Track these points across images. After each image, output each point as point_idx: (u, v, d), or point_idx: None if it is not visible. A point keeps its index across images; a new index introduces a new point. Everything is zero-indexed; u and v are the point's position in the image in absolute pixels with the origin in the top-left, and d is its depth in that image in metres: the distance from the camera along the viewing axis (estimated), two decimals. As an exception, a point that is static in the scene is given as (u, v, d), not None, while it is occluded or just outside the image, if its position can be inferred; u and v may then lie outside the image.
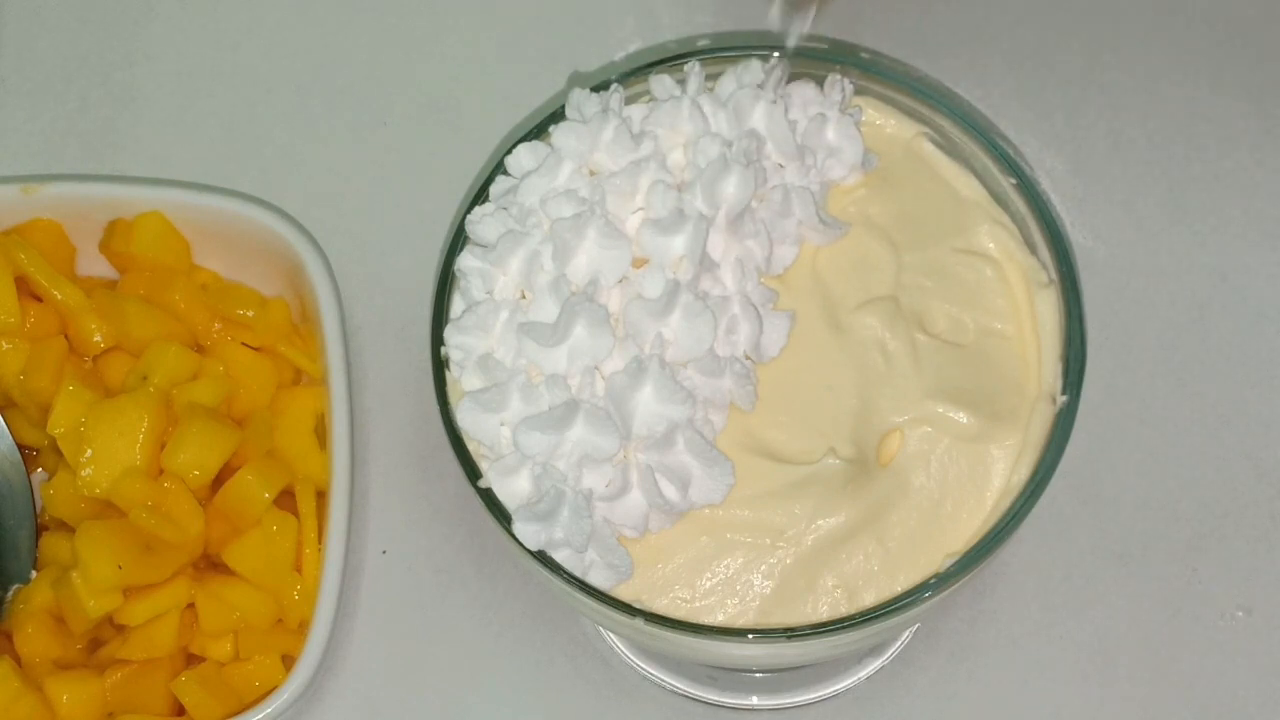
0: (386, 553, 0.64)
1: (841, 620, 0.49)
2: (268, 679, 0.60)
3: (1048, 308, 0.53)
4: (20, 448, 0.64)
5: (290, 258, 0.65)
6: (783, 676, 0.62)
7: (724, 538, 0.51)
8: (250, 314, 0.65)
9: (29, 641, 0.60)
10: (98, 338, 0.64)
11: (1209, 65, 0.72)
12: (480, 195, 0.55)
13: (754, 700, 0.62)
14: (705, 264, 0.51)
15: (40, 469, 0.66)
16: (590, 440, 0.49)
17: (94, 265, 0.67)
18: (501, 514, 0.50)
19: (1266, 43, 0.73)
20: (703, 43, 0.74)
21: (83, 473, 0.60)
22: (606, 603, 0.49)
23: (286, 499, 0.62)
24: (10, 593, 0.62)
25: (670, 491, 0.50)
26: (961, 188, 0.56)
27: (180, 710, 0.60)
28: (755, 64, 0.55)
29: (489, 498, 0.51)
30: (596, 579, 0.50)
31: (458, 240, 0.54)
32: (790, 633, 0.49)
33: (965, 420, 0.52)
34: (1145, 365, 0.66)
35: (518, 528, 0.50)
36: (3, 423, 0.64)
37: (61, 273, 0.64)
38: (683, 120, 0.54)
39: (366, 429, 0.66)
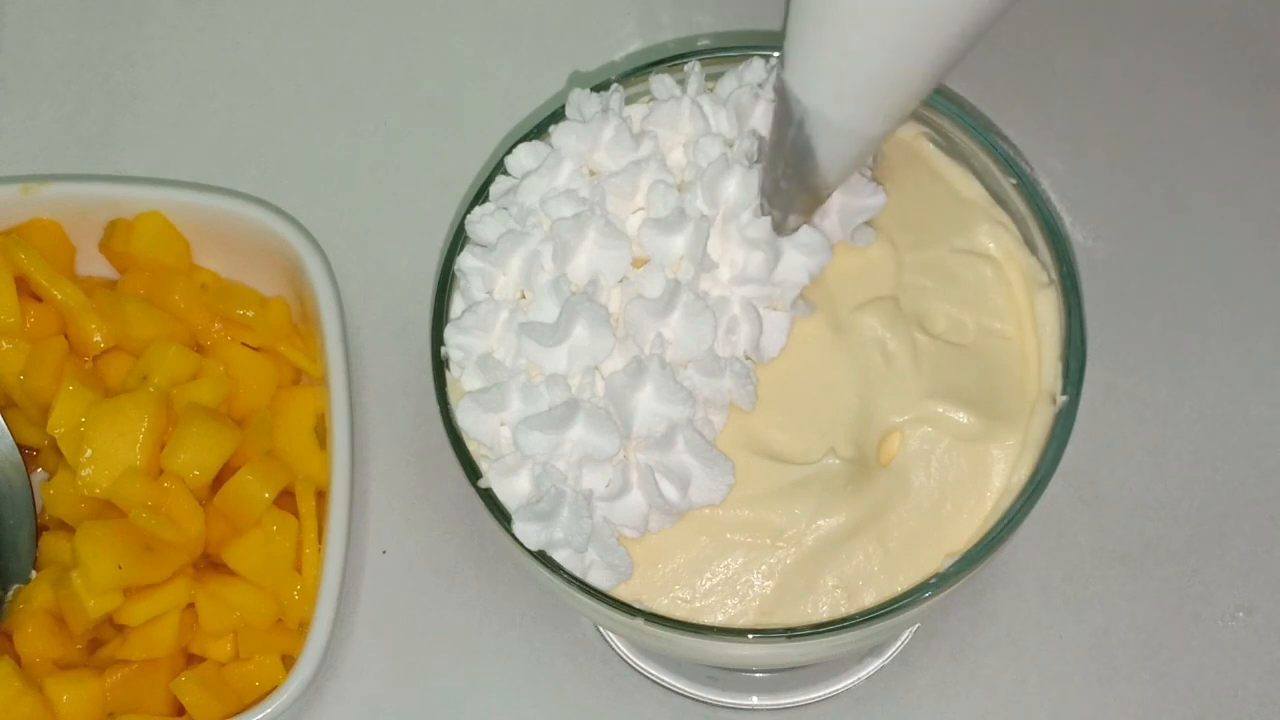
0: (386, 553, 0.65)
1: (841, 620, 0.49)
2: (268, 679, 0.60)
3: (1048, 308, 0.53)
4: (20, 448, 0.64)
5: (290, 258, 0.65)
6: (783, 676, 0.62)
7: (724, 538, 0.51)
8: (250, 314, 0.65)
9: (29, 641, 0.60)
10: (98, 338, 0.64)
11: (1209, 65, 0.72)
12: (480, 195, 0.55)
13: (754, 700, 0.62)
14: (705, 264, 0.51)
15: (40, 469, 0.66)
16: (590, 440, 0.49)
17: (94, 265, 0.67)
18: (501, 514, 0.50)
19: (1266, 43, 0.73)
20: (703, 43, 0.74)
21: (83, 473, 0.60)
22: (606, 603, 0.49)
23: (286, 499, 0.62)
24: (10, 593, 0.62)
25: (670, 491, 0.50)
26: (961, 188, 0.56)
27: (180, 710, 0.60)
28: (758, 63, 0.55)
29: (489, 498, 0.51)
30: (596, 579, 0.50)
31: (458, 240, 0.54)
32: (790, 633, 0.49)
33: (965, 420, 0.52)
34: (1145, 365, 0.66)
35: (518, 528, 0.50)
36: (3, 423, 0.64)
37: (61, 273, 0.64)
38: (683, 120, 0.54)
39: (366, 429, 0.66)
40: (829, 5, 0.42)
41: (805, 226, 0.52)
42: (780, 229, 0.51)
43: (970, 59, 0.73)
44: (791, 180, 0.49)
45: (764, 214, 0.51)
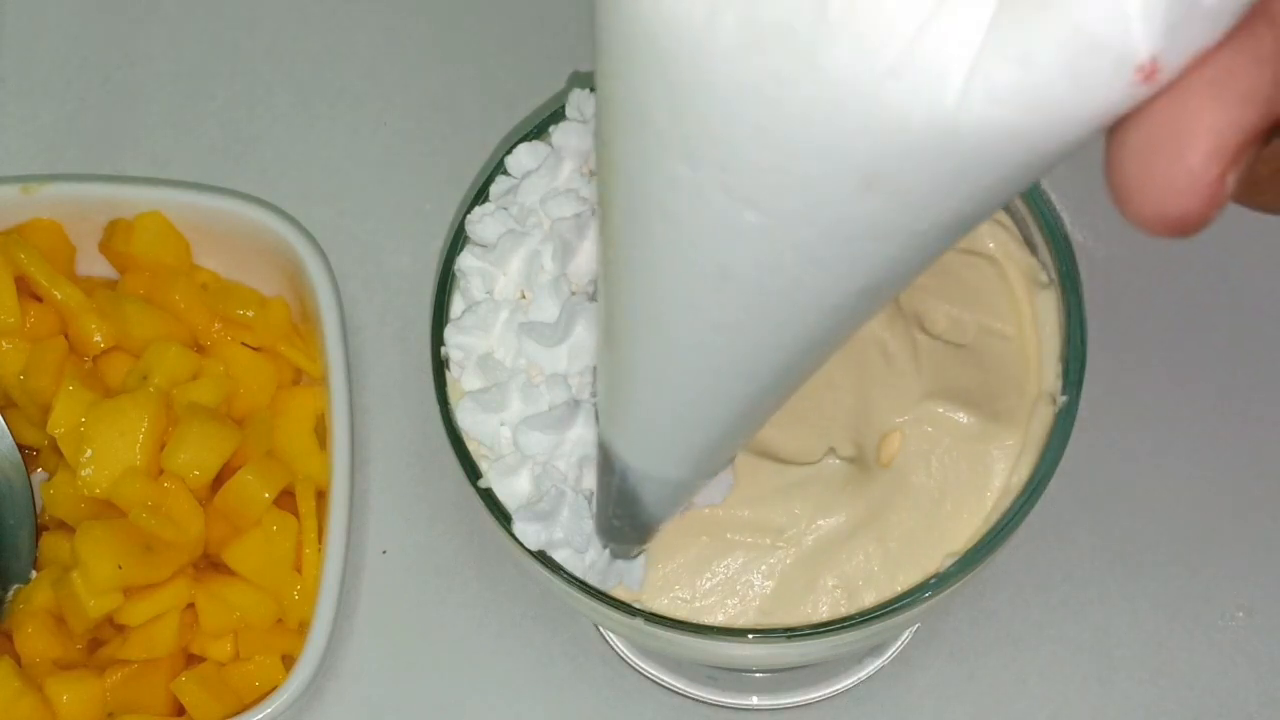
0: (386, 553, 0.64)
1: (841, 620, 0.49)
2: (268, 679, 0.60)
3: (1048, 308, 0.53)
4: (20, 448, 0.64)
5: (290, 258, 0.65)
6: (782, 676, 0.62)
7: (724, 538, 0.51)
8: (250, 314, 0.65)
9: (29, 641, 0.60)
10: (98, 338, 0.63)
11: (1209, 65, 0.72)
12: (480, 195, 0.55)
13: (754, 700, 0.62)
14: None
15: (40, 469, 0.66)
16: (590, 440, 0.49)
17: (94, 265, 0.67)
18: (501, 514, 0.50)
19: (1266, 43, 0.73)
20: (703, 43, 0.74)
21: (83, 473, 0.60)
22: (606, 603, 0.49)
23: (286, 499, 0.62)
24: (10, 593, 0.62)
25: (670, 491, 0.50)
26: (961, 188, 0.56)
27: (180, 710, 0.60)
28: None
29: (489, 498, 0.51)
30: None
31: (458, 240, 0.54)
32: (790, 633, 0.49)
33: (965, 420, 0.52)
34: (1145, 365, 0.66)
35: (518, 528, 0.50)
36: (3, 423, 0.64)
37: (61, 273, 0.64)
38: (683, 120, 0.54)
39: (366, 429, 0.66)
40: (627, 370, 0.39)
41: None
42: (621, 557, 0.50)
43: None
44: (623, 520, 0.47)
45: (603, 547, 0.49)
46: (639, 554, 0.50)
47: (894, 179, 0.27)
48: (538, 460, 0.50)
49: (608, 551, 0.50)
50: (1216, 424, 0.65)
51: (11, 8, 0.77)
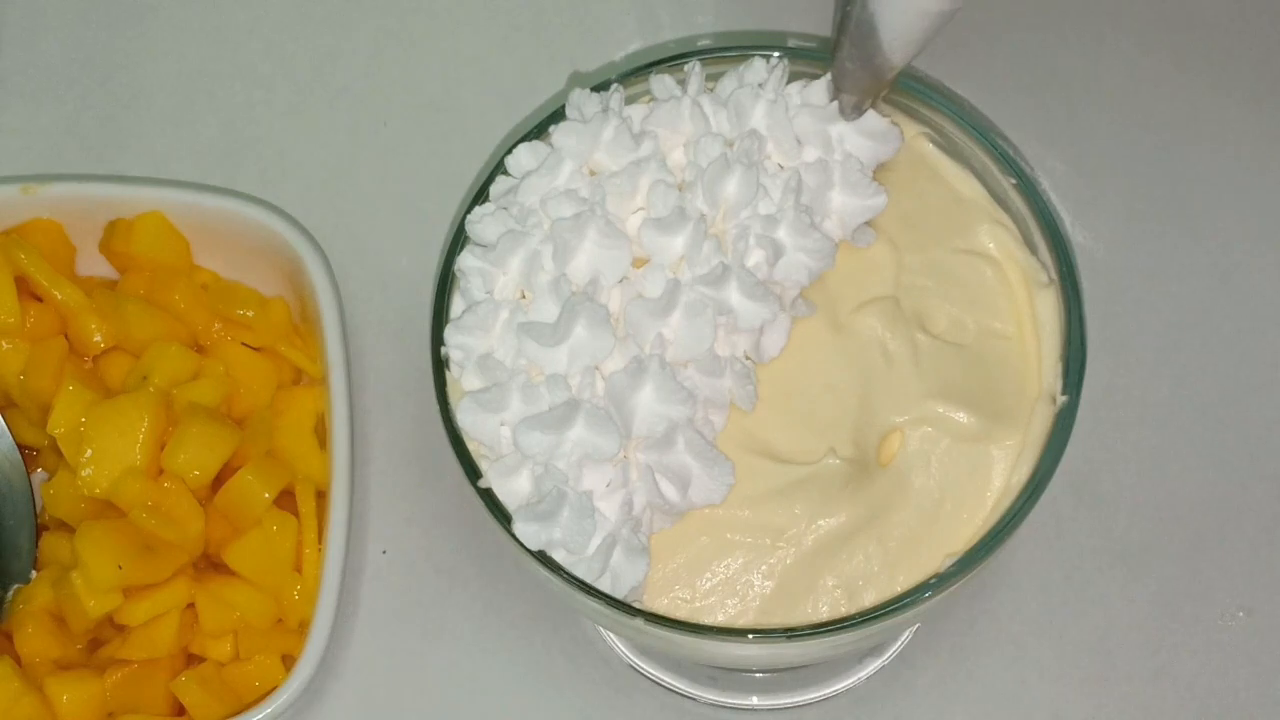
0: (386, 553, 0.65)
1: (841, 620, 0.49)
2: (268, 679, 0.60)
3: (1048, 308, 0.53)
4: (20, 448, 0.64)
5: (290, 258, 0.65)
6: (783, 676, 0.62)
7: (724, 538, 0.51)
8: (250, 314, 0.65)
9: (29, 641, 0.60)
10: (98, 338, 0.64)
11: (1209, 65, 0.72)
12: (480, 195, 0.56)
13: (754, 700, 0.62)
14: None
15: (40, 469, 0.66)
16: (590, 440, 0.49)
17: (94, 265, 0.67)
18: (501, 514, 0.50)
19: (1266, 43, 0.73)
20: (703, 43, 0.74)
21: (83, 473, 0.60)
22: (606, 603, 0.49)
23: (286, 499, 0.62)
24: (10, 593, 0.62)
25: (670, 491, 0.50)
26: (961, 188, 0.56)
27: (180, 710, 0.60)
28: (758, 63, 0.55)
29: (489, 498, 0.51)
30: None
31: (458, 240, 0.54)
32: (790, 633, 0.49)
33: (965, 420, 0.52)
34: (1145, 365, 0.66)
35: (518, 528, 0.50)
36: (3, 423, 0.64)
37: (61, 273, 0.64)
38: (683, 120, 0.54)
39: (366, 429, 0.66)
40: None
41: (812, 230, 0.52)
42: (846, 112, 0.53)
43: (970, 59, 0.73)
44: (857, 61, 0.51)
45: (832, 99, 0.53)
46: (862, 112, 0.53)
47: None
48: (538, 460, 0.50)
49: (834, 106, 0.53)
50: (1216, 424, 0.65)
51: (11, 8, 0.77)
